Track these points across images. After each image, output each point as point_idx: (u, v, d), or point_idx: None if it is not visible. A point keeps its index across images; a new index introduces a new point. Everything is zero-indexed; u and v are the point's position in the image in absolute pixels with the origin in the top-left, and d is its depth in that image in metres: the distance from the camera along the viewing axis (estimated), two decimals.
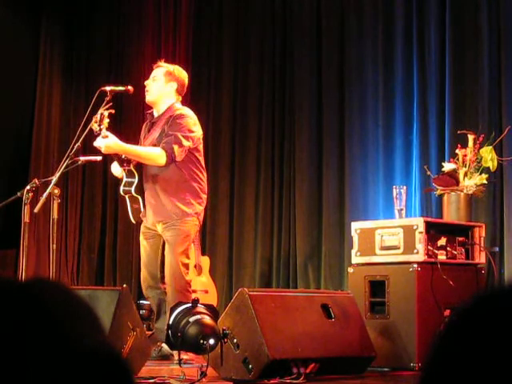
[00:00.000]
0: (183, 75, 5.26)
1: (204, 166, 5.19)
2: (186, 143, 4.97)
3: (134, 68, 8.05)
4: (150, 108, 5.26)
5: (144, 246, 5.16)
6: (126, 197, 5.06)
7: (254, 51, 8.03)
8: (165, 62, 5.32)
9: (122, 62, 8.40)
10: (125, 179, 5.00)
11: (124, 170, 4.98)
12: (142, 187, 5.05)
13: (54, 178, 4.59)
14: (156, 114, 5.19)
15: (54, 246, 4.60)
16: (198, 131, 5.10)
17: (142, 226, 5.20)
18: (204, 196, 5.15)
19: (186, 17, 8.45)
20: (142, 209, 5.05)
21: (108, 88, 4.83)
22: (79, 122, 4.93)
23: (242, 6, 8.16)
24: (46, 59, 8.10)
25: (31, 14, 8.03)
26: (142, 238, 5.19)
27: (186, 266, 5.09)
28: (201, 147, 5.16)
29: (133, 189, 5.01)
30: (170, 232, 5.02)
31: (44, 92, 8.06)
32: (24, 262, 4.46)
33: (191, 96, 8.04)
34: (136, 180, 5.00)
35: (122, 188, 5.03)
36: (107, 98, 4.79)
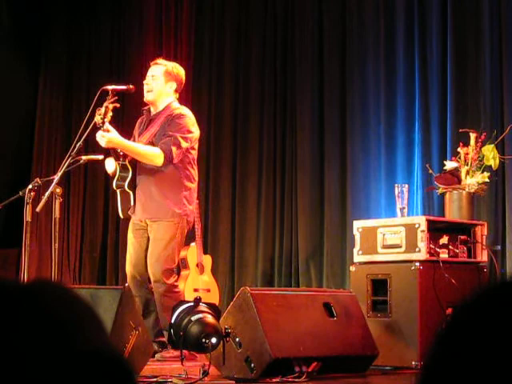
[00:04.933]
0: (182, 73, 5.26)
1: (196, 166, 5.20)
2: (184, 145, 4.99)
3: (136, 67, 8.05)
4: (146, 104, 5.27)
5: (133, 243, 5.13)
6: (118, 191, 5.06)
7: (255, 50, 8.03)
8: (163, 59, 5.33)
9: (123, 62, 8.40)
10: (118, 173, 4.99)
11: (118, 164, 4.98)
12: (135, 183, 5.05)
13: (56, 177, 4.59)
14: (154, 112, 5.19)
15: (56, 245, 4.60)
16: (196, 131, 5.13)
17: (131, 223, 5.18)
18: (195, 195, 5.19)
19: (188, 16, 8.45)
20: (131, 204, 5.04)
21: (110, 87, 4.84)
22: (81, 121, 4.93)
23: (243, 4, 8.16)
24: (47, 58, 8.11)
25: (33, 13, 8.04)
26: (131, 235, 5.16)
27: (169, 271, 5.03)
28: (196, 146, 5.18)
29: (126, 184, 5.00)
30: (156, 233, 5.00)
31: (46, 91, 8.06)
32: (26, 261, 4.46)
33: (193, 95, 8.04)
34: (130, 175, 4.99)
35: (115, 182, 5.03)
36: (109, 97, 4.79)
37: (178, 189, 5.03)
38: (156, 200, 5.00)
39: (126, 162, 4.98)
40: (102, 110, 4.69)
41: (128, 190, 5.01)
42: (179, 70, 5.25)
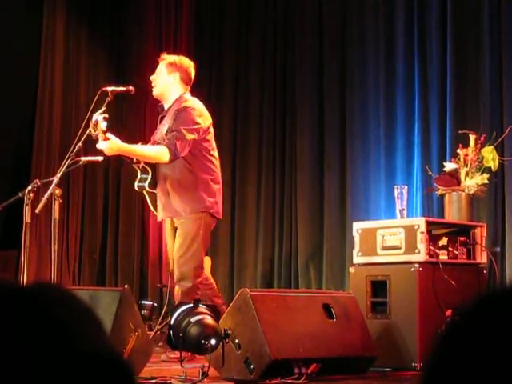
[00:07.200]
0: (186, 63, 5.20)
1: (216, 154, 5.14)
2: (189, 137, 4.93)
3: (136, 69, 8.05)
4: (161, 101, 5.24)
5: (168, 240, 5.22)
6: (144, 192, 5.11)
7: (255, 51, 8.03)
8: (167, 54, 5.32)
9: (123, 63, 8.41)
10: (139, 175, 5.04)
11: (137, 166, 5.02)
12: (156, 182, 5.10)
13: (56, 179, 4.58)
14: (166, 107, 5.18)
15: (56, 246, 4.60)
16: (203, 122, 5.03)
17: (166, 221, 5.25)
18: (216, 186, 5.09)
19: (187, 17, 8.45)
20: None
21: (109, 88, 4.82)
22: (80, 123, 4.92)
23: (243, 5, 8.16)
24: (47, 59, 8.10)
25: (34, 12, 8.04)
26: (167, 233, 5.24)
27: (199, 268, 5.01)
28: (210, 136, 5.09)
29: (146, 184, 5.04)
30: (180, 231, 5.02)
31: (45, 91, 8.06)
32: (25, 262, 4.45)
33: (193, 96, 8.03)
34: (150, 176, 5.03)
35: (136, 184, 5.08)
36: (108, 98, 4.78)
37: (194, 184, 4.99)
38: (173, 198, 5.00)
39: (144, 164, 5.01)
40: (93, 122, 4.67)
41: (150, 190, 5.05)
42: (184, 61, 5.20)
